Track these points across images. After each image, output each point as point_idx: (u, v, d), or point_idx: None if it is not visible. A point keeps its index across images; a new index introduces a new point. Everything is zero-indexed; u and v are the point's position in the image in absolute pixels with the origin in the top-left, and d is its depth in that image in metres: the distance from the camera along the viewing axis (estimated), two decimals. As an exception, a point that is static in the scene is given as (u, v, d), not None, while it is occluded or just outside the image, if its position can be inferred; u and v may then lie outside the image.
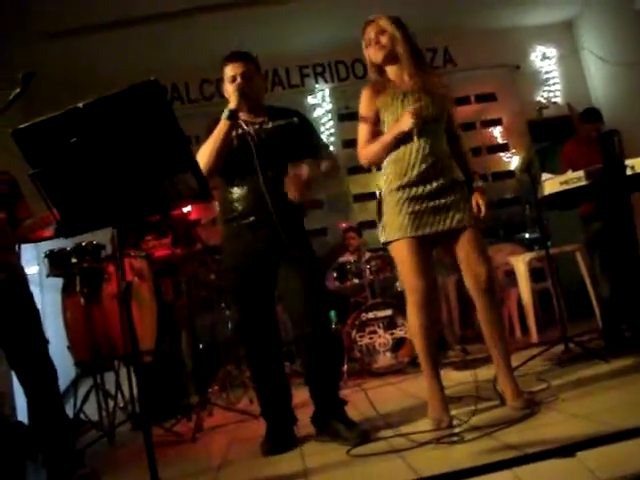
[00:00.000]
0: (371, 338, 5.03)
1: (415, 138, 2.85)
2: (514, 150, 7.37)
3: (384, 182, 2.96)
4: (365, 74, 7.24)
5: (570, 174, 3.98)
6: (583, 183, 3.94)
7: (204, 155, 2.95)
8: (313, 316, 3.00)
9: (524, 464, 1.96)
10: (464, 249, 2.88)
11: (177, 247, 4.58)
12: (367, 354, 5.00)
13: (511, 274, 5.78)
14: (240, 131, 3.06)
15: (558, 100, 7.50)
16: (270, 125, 3.11)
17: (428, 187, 2.84)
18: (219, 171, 3.05)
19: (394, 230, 2.88)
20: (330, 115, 7.29)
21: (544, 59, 7.66)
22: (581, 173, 3.94)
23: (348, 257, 5.87)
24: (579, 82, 7.64)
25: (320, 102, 7.28)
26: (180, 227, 4.62)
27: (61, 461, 3.13)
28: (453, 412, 2.92)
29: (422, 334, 2.86)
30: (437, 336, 3.09)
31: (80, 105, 2.07)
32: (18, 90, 2.64)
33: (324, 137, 7.14)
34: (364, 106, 3.03)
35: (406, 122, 2.82)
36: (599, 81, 7.47)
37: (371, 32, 2.98)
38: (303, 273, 3.02)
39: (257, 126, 3.09)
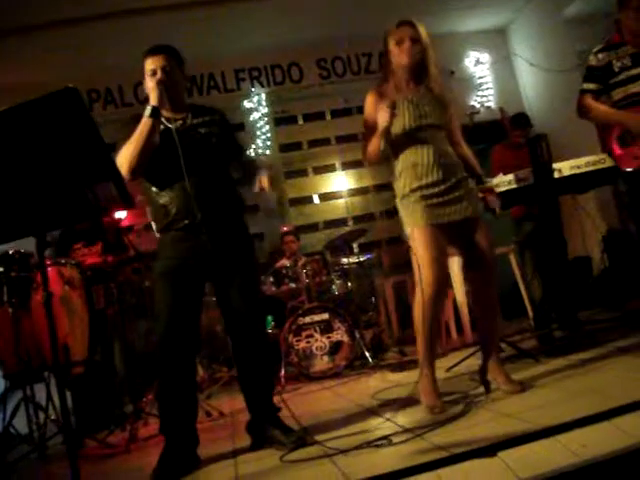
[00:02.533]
0: (308, 342, 5.02)
1: (421, 143, 3.04)
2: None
3: (401, 187, 3.09)
4: (301, 78, 7.31)
5: (501, 177, 4.07)
6: (513, 186, 4.03)
7: (126, 157, 2.77)
8: (246, 326, 2.97)
9: (448, 465, 1.99)
10: (476, 235, 3.06)
11: (108, 254, 4.48)
12: (304, 358, 4.99)
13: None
14: (162, 128, 2.89)
15: (491, 104, 7.66)
16: (193, 122, 2.98)
17: (442, 186, 3.01)
18: (145, 174, 2.91)
19: (413, 222, 3.02)
20: (266, 119, 7.26)
21: (477, 64, 7.81)
22: (511, 177, 4.04)
23: (285, 262, 5.86)
24: (511, 87, 7.82)
25: (256, 106, 7.23)
26: (111, 234, 4.53)
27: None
28: (387, 415, 2.95)
29: (426, 326, 2.97)
30: (440, 330, 3.19)
31: (-4, 112, 1.99)
32: None
33: (260, 142, 7.13)
34: (368, 110, 3.17)
35: (382, 119, 2.96)
36: (530, 86, 7.67)
37: (406, 34, 3.07)
38: (237, 281, 2.95)
39: (180, 122, 2.96)
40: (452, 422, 2.62)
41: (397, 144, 3.09)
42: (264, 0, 5.99)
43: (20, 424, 4.29)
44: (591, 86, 3.61)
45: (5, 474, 3.15)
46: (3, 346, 4.06)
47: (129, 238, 4.62)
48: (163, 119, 2.93)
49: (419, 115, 3.06)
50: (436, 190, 3.00)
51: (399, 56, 3.09)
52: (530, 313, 5.09)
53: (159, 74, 2.87)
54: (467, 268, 3.20)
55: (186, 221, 2.86)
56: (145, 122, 2.78)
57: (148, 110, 2.78)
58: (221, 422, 3.89)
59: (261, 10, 6.17)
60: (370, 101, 3.17)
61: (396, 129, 3.06)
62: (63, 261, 4.28)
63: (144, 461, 3.01)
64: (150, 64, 2.92)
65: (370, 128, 3.12)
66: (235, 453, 2.96)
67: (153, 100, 2.80)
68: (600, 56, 3.57)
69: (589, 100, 3.61)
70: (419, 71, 3.12)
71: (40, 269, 2.35)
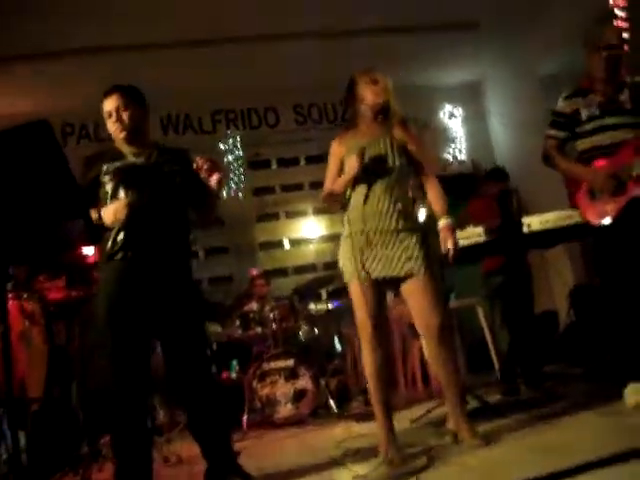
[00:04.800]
0: (272, 388, 4.93)
1: (368, 186, 3.03)
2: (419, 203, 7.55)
3: (345, 225, 3.12)
4: (277, 122, 7.36)
5: (471, 229, 4.11)
6: (482, 239, 4.06)
7: None
8: (190, 373, 2.89)
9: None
10: (414, 297, 3.02)
11: (72, 289, 4.39)
12: (268, 404, 4.90)
13: (414, 326, 5.83)
14: (124, 163, 2.91)
15: (463, 157, 7.78)
16: (158, 159, 2.97)
17: (383, 234, 3.00)
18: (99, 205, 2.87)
19: (348, 273, 3.04)
20: (240, 162, 7.28)
21: (451, 117, 7.95)
22: (480, 229, 4.07)
23: (252, 305, 5.80)
24: (484, 141, 7.97)
25: (231, 148, 7.26)
26: (76, 268, 4.44)
27: None
28: (350, 465, 2.89)
29: (375, 373, 2.99)
30: (389, 377, 3.15)
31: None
32: None
33: (233, 184, 7.13)
34: (332, 155, 3.22)
35: (350, 169, 3.02)
36: (502, 141, 7.81)
37: (380, 78, 3.14)
38: (179, 326, 2.87)
39: (143, 158, 2.95)
40: (413, 475, 2.57)
41: (353, 184, 3.11)
42: (243, 43, 6.04)
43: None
44: (557, 133, 3.50)
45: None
46: (-45, 379, 3.94)
47: (94, 273, 4.54)
48: (129, 155, 2.95)
49: (379, 158, 3.07)
50: (373, 239, 3.00)
51: (374, 94, 3.12)
52: (496, 366, 5.08)
53: (116, 115, 2.92)
54: (416, 326, 3.13)
55: (130, 253, 2.81)
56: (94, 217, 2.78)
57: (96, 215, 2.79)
58: (180, 468, 3.77)
59: (239, 53, 6.22)
60: (334, 145, 3.22)
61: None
62: (25, 295, 4.19)
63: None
64: (105, 106, 2.96)
65: (333, 172, 3.17)
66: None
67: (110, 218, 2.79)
68: (568, 102, 3.46)
69: (552, 148, 3.51)
70: (384, 114, 3.15)
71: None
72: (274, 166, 7.44)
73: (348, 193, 3.14)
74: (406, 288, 3.04)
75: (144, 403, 2.89)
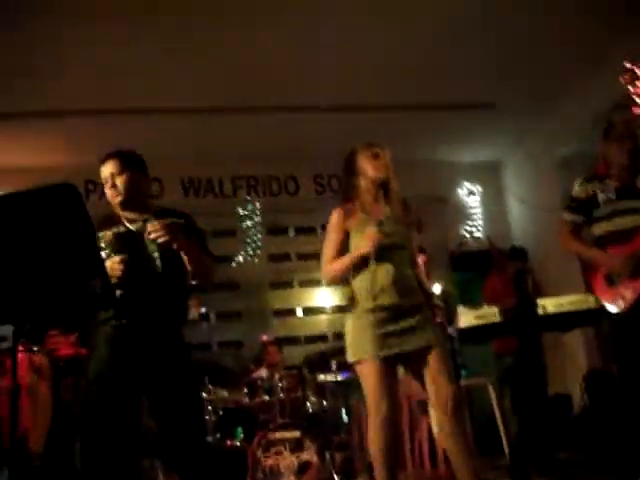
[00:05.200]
0: (276, 459, 4.83)
1: (377, 263, 2.97)
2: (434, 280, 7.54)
3: (352, 303, 3.07)
4: (297, 191, 7.46)
5: (485, 309, 4.07)
6: (497, 319, 4.03)
7: None
8: (187, 441, 2.82)
9: None
10: (431, 369, 2.96)
11: (83, 346, 4.40)
12: (270, 476, 4.79)
13: (424, 403, 5.75)
14: (120, 230, 2.94)
15: (480, 234, 7.80)
16: (152, 223, 2.88)
17: (396, 310, 2.96)
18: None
19: (360, 350, 2.96)
20: (259, 228, 7.34)
21: (470, 195, 8.02)
22: (495, 309, 4.03)
23: (261, 372, 5.74)
24: (501, 219, 8.01)
25: (250, 214, 7.34)
26: (88, 325, 4.45)
27: None
28: None
29: (382, 456, 2.89)
30: (397, 458, 3.11)
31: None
32: None
33: (250, 249, 7.18)
34: (334, 226, 3.16)
35: (366, 246, 2.96)
36: (519, 220, 7.86)
37: (381, 153, 3.15)
38: (169, 395, 2.82)
39: (140, 224, 2.94)
40: None
41: (358, 262, 3.07)
42: (264, 112, 6.18)
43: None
44: (573, 217, 3.51)
45: None
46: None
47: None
48: (125, 220, 2.97)
49: (384, 235, 3.04)
50: (388, 314, 2.96)
51: (376, 169, 3.12)
52: (507, 449, 4.96)
53: (111, 181, 2.94)
54: (430, 400, 3.05)
55: (123, 320, 2.81)
56: None
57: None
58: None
59: (261, 121, 6.36)
60: (336, 217, 3.16)
61: (356, 246, 3.08)
62: (35, 349, 4.20)
63: None
64: (103, 172, 2.99)
65: (336, 245, 3.13)
66: None
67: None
68: (584, 187, 3.47)
69: (568, 233, 3.52)
70: (385, 190, 3.16)
71: (11, 357, 2.30)
72: (291, 234, 7.50)
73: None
74: (421, 362, 2.99)
75: (129, 466, 2.80)
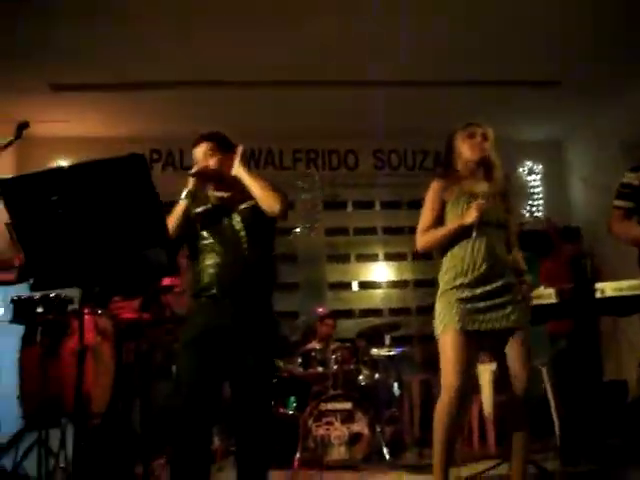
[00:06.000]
0: (327, 429, 4.94)
1: (475, 238, 2.99)
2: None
3: (443, 277, 3.08)
4: (356, 165, 7.48)
5: (542, 290, 4.05)
6: (553, 301, 4.00)
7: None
8: (253, 406, 3.00)
9: None
10: (512, 350, 2.98)
11: (145, 311, 4.55)
12: (321, 445, 4.91)
13: (474, 382, 5.76)
14: (208, 206, 3.11)
15: (540, 214, 7.68)
16: (242, 202, 3.12)
17: (487, 287, 2.97)
18: (188, 244, 3.11)
19: (446, 321, 2.97)
20: (317, 201, 7.39)
21: (531, 174, 7.89)
22: (552, 290, 4.01)
23: (315, 344, 5.83)
24: (561, 199, 7.85)
25: (308, 187, 7.39)
26: (151, 291, 4.61)
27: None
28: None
29: (444, 434, 2.91)
30: (458, 435, 3.14)
31: (65, 166, 2.12)
32: (11, 138, 2.74)
33: (307, 222, 7.25)
34: (432, 196, 3.17)
35: (470, 215, 2.97)
36: (580, 201, 7.69)
37: (478, 131, 3.16)
38: (252, 359, 2.99)
39: (226, 200, 3.14)
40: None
41: (458, 234, 3.07)
42: (326, 87, 6.17)
43: (30, 466, 4.30)
44: (622, 203, 3.44)
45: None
46: (27, 386, 4.12)
47: (168, 298, 4.69)
48: (215, 199, 3.15)
49: (493, 211, 3.05)
50: (479, 291, 2.96)
51: (471, 149, 3.13)
52: (557, 432, 4.94)
53: (197, 165, 3.12)
54: (500, 380, 3.11)
55: (213, 291, 2.99)
56: (180, 203, 3.05)
57: (184, 192, 3.06)
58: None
59: (323, 96, 6.36)
60: (435, 188, 3.17)
61: (452, 218, 3.08)
62: (100, 312, 4.37)
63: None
64: (195, 153, 3.18)
65: (433, 214, 3.13)
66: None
67: (189, 185, 3.07)
68: (636, 174, 3.42)
69: (617, 218, 3.45)
70: (484, 169, 3.15)
71: (79, 319, 2.43)
72: (349, 208, 7.54)
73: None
74: (503, 341, 3.00)
75: (209, 430, 3.06)
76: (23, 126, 2.75)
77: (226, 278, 2.96)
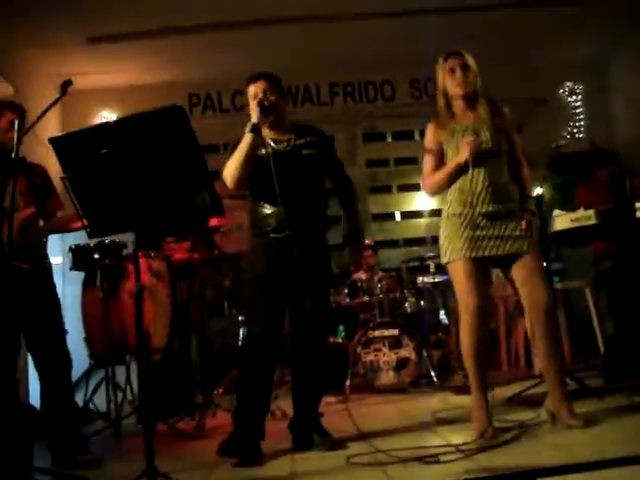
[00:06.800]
0: (376, 355, 5.13)
1: (472, 169, 3.05)
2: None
3: (446, 207, 3.19)
4: (393, 97, 7.44)
5: (581, 212, 4.08)
6: (593, 222, 4.03)
7: (230, 170, 3.09)
8: (312, 335, 3.23)
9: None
10: (523, 274, 3.08)
11: (195, 251, 4.74)
12: (371, 371, 5.10)
13: (520, 305, 5.84)
14: (267, 149, 3.18)
15: (580, 136, 7.56)
16: (296, 143, 3.23)
17: (489, 215, 3.05)
18: (249, 185, 3.22)
19: (453, 251, 3.09)
20: (356, 134, 7.43)
21: (571, 95, 7.73)
22: (591, 212, 4.03)
23: (361, 275, 5.97)
24: (603, 120, 7.69)
25: (347, 120, 7.40)
26: (200, 232, 4.79)
27: (66, 446, 3.32)
28: (442, 434, 3.08)
29: (473, 353, 3.05)
30: (487, 355, 3.22)
31: (110, 121, 2.26)
32: (57, 96, 2.86)
33: (347, 156, 7.30)
34: (429, 139, 3.25)
35: (463, 153, 3.05)
36: (623, 121, 7.52)
37: (456, 63, 3.15)
38: (312, 292, 3.20)
39: (284, 144, 3.22)
40: (501, 447, 2.71)
41: (456, 172, 3.13)
42: (358, 19, 6.13)
43: (99, 401, 4.62)
44: None
45: (82, 445, 3.43)
46: (91, 328, 4.37)
47: (216, 238, 4.87)
48: (270, 141, 3.21)
49: (479, 142, 3.08)
50: (480, 219, 3.04)
51: (453, 86, 3.14)
52: (601, 351, 5.03)
53: (260, 96, 3.15)
54: (523, 304, 3.17)
55: (278, 233, 3.14)
56: (246, 137, 3.07)
57: (249, 126, 3.07)
58: (284, 423, 4.04)
59: (358, 28, 6.31)
60: (430, 130, 3.24)
61: (451, 156, 3.15)
62: (153, 254, 4.57)
63: (210, 448, 3.19)
64: (252, 90, 3.23)
65: (433, 157, 3.21)
66: (294, 451, 3.16)
67: (254, 118, 3.09)
68: None
69: None
70: (474, 98, 3.16)
71: (134, 262, 2.61)
72: (389, 139, 7.55)
73: None
74: (514, 266, 3.09)
75: (276, 359, 3.30)
76: (67, 84, 2.85)
77: (288, 216, 3.08)
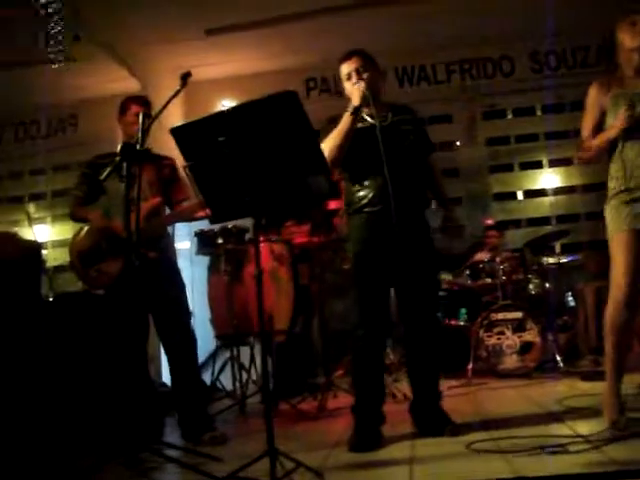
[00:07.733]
0: (499, 339, 5.01)
1: (629, 143, 2.87)
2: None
3: (611, 188, 2.99)
4: (512, 71, 7.16)
5: None
6: None
7: (327, 150, 3.02)
8: (420, 315, 3.19)
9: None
10: None
11: (315, 235, 4.81)
12: (493, 354, 5.00)
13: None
14: (365, 124, 3.16)
15: None
16: (394, 119, 3.21)
17: None
18: (344, 164, 3.20)
19: (615, 226, 2.91)
20: (474, 112, 7.23)
21: None
22: None
23: (483, 255, 5.82)
24: None
25: (465, 98, 7.22)
26: (319, 216, 4.85)
27: (194, 422, 3.49)
28: (569, 423, 2.98)
29: (615, 333, 2.89)
30: (630, 340, 3.09)
31: (226, 109, 2.33)
32: (178, 88, 2.99)
33: (465, 134, 7.17)
34: (589, 103, 3.07)
35: (615, 126, 2.88)
36: None
37: (635, 18, 2.97)
38: (417, 270, 3.15)
39: (382, 120, 3.15)
40: (634, 439, 2.57)
41: (615, 141, 2.93)
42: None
43: (226, 380, 4.81)
44: None
45: (209, 421, 3.58)
46: (217, 310, 4.56)
47: (335, 221, 4.91)
48: (367, 116, 3.17)
49: (635, 114, 2.84)
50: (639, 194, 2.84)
51: (631, 37, 2.92)
52: None
53: (354, 77, 3.14)
54: None
55: (379, 207, 3.11)
56: (345, 119, 3.06)
57: (351, 108, 3.05)
58: (404, 405, 4.04)
59: (473, 3, 6.12)
60: (593, 92, 3.04)
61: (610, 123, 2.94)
62: (274, 238, 4.68)
63: (331, 429, 3.27)
64: (345, 69, 3.21)
65: (591, 121, 3.02)
66: (415, 435, 3.13)
67: (355, 100, 3.05)
68: None
69: None
70: None
71: (254, 246, 2.68)
72: (509, 116, 7.30)
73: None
74: None
75: (382, 342, 3.33)
76: (186, 76, 2.98)
77: (387, 193, 3.03)
